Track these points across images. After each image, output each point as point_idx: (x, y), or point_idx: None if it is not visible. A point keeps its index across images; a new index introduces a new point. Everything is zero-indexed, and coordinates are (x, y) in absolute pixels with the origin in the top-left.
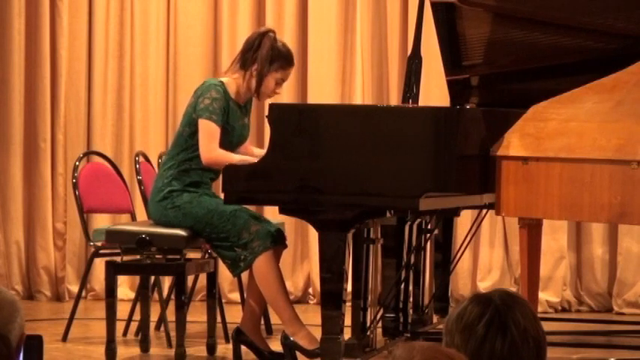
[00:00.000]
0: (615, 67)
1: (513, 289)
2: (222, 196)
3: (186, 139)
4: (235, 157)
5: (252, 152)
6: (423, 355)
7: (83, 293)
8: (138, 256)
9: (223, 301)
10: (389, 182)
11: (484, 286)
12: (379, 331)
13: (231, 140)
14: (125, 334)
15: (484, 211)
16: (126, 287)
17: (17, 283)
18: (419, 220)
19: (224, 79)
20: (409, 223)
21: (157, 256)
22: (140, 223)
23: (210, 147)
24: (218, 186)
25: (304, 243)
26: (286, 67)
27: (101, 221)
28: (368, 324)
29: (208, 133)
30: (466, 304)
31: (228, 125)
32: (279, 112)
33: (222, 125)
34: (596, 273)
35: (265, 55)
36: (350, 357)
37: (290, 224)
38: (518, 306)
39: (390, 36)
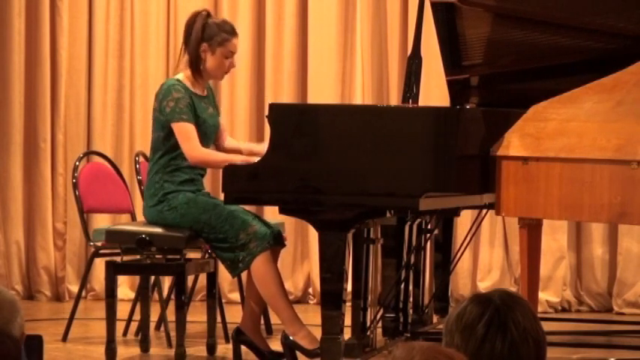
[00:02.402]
0: (615, 67)
1: (513, 289)
2: (221, 196)
3: (164, 142)
4: (222, 157)
5: (238, 146)
6: (422, 355)
7: (83, 293)
8: (138, 256)
9: (223, 301)
10: (389, 182)
11: (484, 286)
12: (379, 331)
13: (205, 132)
14: (125, 334)
15: (484, 211)
16: (126, 287)
17: (17, 283)
18: (419, 220)
19: (179, 76)
20: (409, 223)
21: (157, 256)
22: (140, 223)
23: (191, 146)
24: (218, 186)
25: (304, 243)
26: (228, 38)
27: (101, 221)
28: (368, 324)
29: (185, 134)
30: (466, 304)
31: (199, 119)
32: (279, 112)
33: (194, 120)
34: (596, 273)
35: (198, 34)
36: (350, 357)
37: (290, 224)
38: (518, 306)
39: (390, 36)
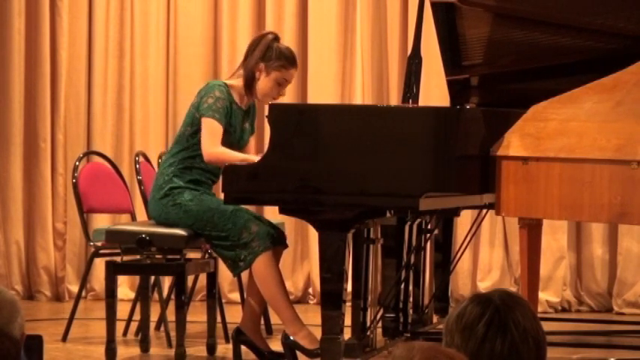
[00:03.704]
0: (615, 67)
1: (513, 289)
2: (222, 196)
3: (188, 139)
4: (237, 155)
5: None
6: (422, 355)
7: (83, 293)
8: (138, 256)
9: (223, 301)
10: (389, 182)
11: (484, 286)
12: (379, 331)
13: (231, 141)
14: (125, 334)
15: (484, 211)
16: (126, 287)
17: (17, 283)
18: (419, 220)
19: (228, 82)
20: (409, 223)
21: (157, 256)
22: (140, 223)
23: (212, 144)
24: (218, 187)
25: (304, 243)
26: (287, 66)
27: (101, 221)
28: (368, 324)
29: (211, 130)
30: (466, 304)
31: (230, 127)
32: (279, 112)
33: (224, 126)
34: (596, 273)
35: (259, 54)
36: (350, 357)
37: (290, 224)
38: (518, 306)
39: (390, 36)
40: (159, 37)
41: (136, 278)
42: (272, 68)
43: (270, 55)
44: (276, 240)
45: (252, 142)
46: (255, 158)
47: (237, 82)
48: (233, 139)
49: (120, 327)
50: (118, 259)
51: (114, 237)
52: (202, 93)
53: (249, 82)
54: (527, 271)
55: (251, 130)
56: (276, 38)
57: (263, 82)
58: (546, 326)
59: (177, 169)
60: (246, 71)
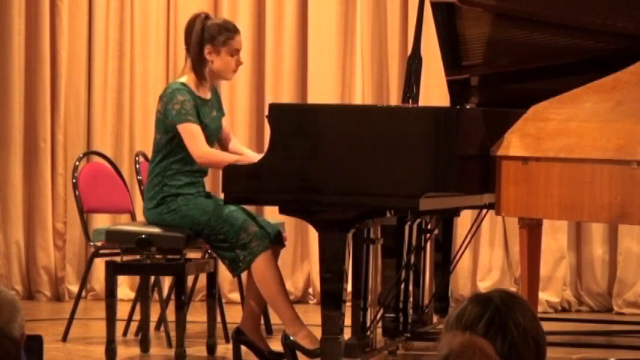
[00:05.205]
0: (615, 67)
1: (513, 289)
2: (221, 196)
3: (165, 145)
4: (229, 157)
5: (241, 150)
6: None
7: (83, 293)
8: (138, 256)
9: (223, 301)
10: (389, 182)
11: (484, 286)
12: (379, 331)
13: (206, 136)
14: (125, 334)
15: (484, 211)
16: (126, 287)
17: (17, 283)
18: (419, 220)
19: (183, 79)
20: (409, 223)
21: (157, 256)
22: (140, 223)
23: (198, 146)
24: (218, 186)
25: (304, 243)
26: (232, 36)
27: (101, 221)
28: (368, 324)
29: (191, 134)
30: (466, 304)
31: (201, 124)
32: (279, 112)
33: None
34: (596, 273)
35: (198, 39)
36: (350, 357)
37: (290, 224)
38: (518, 306)
39: (390, 36)
40: (159, 37)
41: (136, 278)
42: (219, 45)
43: (211, 34)
44: (274, 239)
45: (225, 123)
46: (245, 159)
47: (192, 74)
48: (208, 134)
49: (120, 327)
50: (118, 259)
51: (114, 237)
52: (165, 100)
53: (200, 69)
54: (527, 271)
55: (221, 113)
56: (207, 17)
57: (217, 63)
58: (546, 326)
59: (165, 177)
60: (192, 60)
